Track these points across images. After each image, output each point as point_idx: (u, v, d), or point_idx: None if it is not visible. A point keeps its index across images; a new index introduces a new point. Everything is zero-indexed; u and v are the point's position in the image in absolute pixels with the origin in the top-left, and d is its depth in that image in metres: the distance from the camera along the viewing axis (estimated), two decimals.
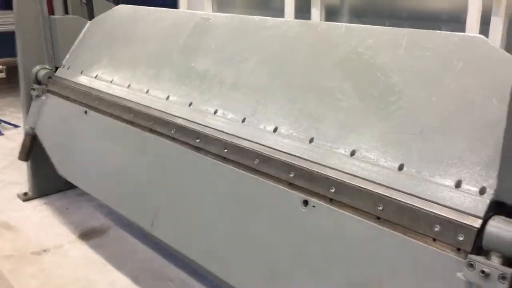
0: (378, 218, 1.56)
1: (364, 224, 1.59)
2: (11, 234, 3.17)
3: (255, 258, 1.91)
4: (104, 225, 3.26)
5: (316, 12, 3.51)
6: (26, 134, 3.42)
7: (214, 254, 2.08)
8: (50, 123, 3.32)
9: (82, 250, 2.99)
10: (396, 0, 3.32)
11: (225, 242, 2.04)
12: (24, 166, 3.67)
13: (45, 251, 2.98)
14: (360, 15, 3.55)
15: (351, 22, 3.56)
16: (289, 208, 1.79)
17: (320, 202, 1.71)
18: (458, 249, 1.38)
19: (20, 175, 3.88)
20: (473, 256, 1.32)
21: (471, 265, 1.30)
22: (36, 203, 3.61)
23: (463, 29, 2.82)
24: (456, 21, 2.86)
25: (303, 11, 3.70)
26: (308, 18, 3.56)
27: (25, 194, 3.67)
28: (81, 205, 3.53)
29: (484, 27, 2.80)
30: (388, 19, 3.30)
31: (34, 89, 3.34)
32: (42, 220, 3.36)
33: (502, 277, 1.25)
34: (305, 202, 1.75)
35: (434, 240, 1.43)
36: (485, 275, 1.28)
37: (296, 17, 3.73)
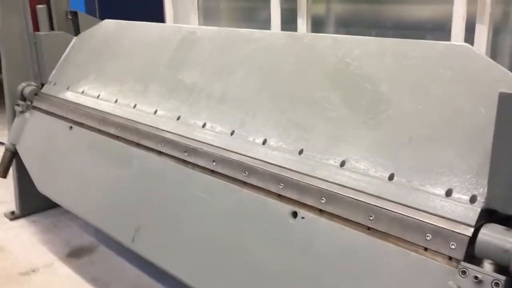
0: (369, 228, 1.55)
1: (355, 234, 1.57)
2: None
3: (242, 272, 1.88)
4: (93, 243, 3.22)
5: (302, 23, 3.53)
6: (6, 150, 3.35)
7: (200, 270, 2.04)
8: (32, 139, 3.27)
9: (71, 269, 2.94)
10: (381, 10, 3.35)
11: (212, 257, 2.00)
12: (11, 184, 3.61)
13: (33, 270, 2.93)
14: (346, 25, 3.58)
15: (337, 32, 3.59)
16: (278, 220, 1.78)
17: (310, 214, 1.70)
18: (450, 258, 1.37)
19: (7, 194, 3.82)
20: (465, 264, 1.32)
21: (463, 272, 1.30)
22: (23, 221, 3.55)
23: (448, 37, 2.85)
24: (441, 30, 2.89)
25: (289, 22, 3.72)
26: (295, 28, 3.57)
27: (12, 213, 3.61)
28: (70, 223, 3.48)
29: (469, 35, 2.83)
30: (374, 29, 3.32)
31: (18, 105, 3.31)
32: (30, 239, 3.31)
33: (495, 284, 1.25)
34: (295, 214, 1.74)
35: (426, 249, 1.42)
36: (478, 281, 1.27)
37: (283, 28, 3.75)
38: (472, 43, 2.81)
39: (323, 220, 1.66)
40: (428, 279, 1.40)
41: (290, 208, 1.75)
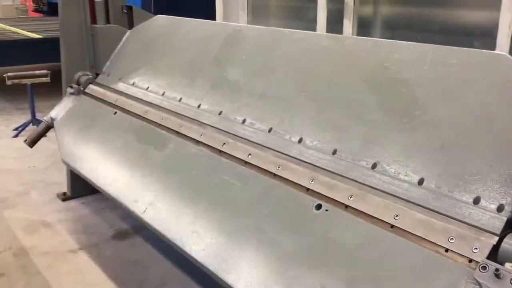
0: (392, 226, 1.58)
1: (376, 230, 1.61)
2: (49, 232, 3.33)
3: (257, 252, 1.83)
4: (136, 227, 3.38)
5: (348, 24, 3.54)
6: (44, 122, 3.46)
7: (219, 251, 1.95)
8: (72, 117, 3.35)
9: (114, 250, 3.12)
10: (428, 13, 3.31)
11: (232, 237, 1.95)
12: (63, 168, 3.84)
13: (80, 249, 3.12)
14: (392, 28, 3.56)
15: (383, 34, 3.57)
16: (302, 209, 1.83)
17: (335, 207, 1.75)
18: (470, 261, 1.39)
19: (60, 176, 4.05)
20: (486, 260, 1.33)
21: (484, 268, 1.31)
22: (74, 203, 3.77)
23: (495, 44, 2.80)
24: (489, 36, 2.83)
25: (335, 23, 3.73)
26: (340, 30, 3.59)
27: (64, 194, 3.85)
28: (116, 206, 3.66)
29: None
30: (420, 33, 3.29)
31: (71, 87, 3.48)
32: (79, 219, 3.52)
33: None
34: (319, 206, 1.79)
35: (447, 250, 1.44)
36: (498, 274, 1.28)
37: (328, 28, 3.77)
38: None
39: (346, 214, 1.71)
40: (444, 277, 1.41)
41: (316, 201, 1.81)
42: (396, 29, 3.50)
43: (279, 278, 1.66)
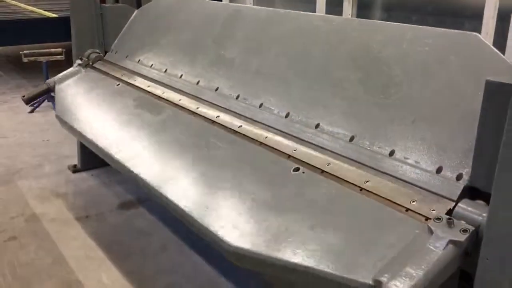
0: (361, 189, 1.72)
1: (345, 190, 1.74)
2: (59, 200, 3.53)
3: (238, 200, 1.91)
4: (141, 198, 3.55)
5: (347, 6, 3.62)
6: (46, 84, 3.54)
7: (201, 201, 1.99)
8: (75, 83, 3.45)
9: (119, 219, 3.30)
10: None
11: (213, 190, 2.01)
12: (75, 141, 4.03)
13: (87, 217, 3.31)
14: (390, 9, 3.63)
15: (381, 16, 3.65)
16: (281, 171, 1.94)
17: (311, 171, 1.88)
18: (427, 219, 1.51)
19: (72, 150, 4.24)
20: (441, 214, 1.47)
21: (438, 219, 1.44)
22: (84, 175, 3.96)
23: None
24: (478, 17, 2.91)
25: (336, 4, 3.82)
26: (340, 11, 3.68)
27: (75, 166, 4.04)
28: (123, 179, 3.85)
29: (503, 25, 2.83)
30: (414, 14, 3.37)
31: (81, 59, 3.62)
32: (87, 190, 3.71)
33: (464, 230, 1.39)
34: (297, 169, 1.92)
35: (407, 210, 1.57)
36: (450, 223, 1.40)
37: (328, 10, 3.85)
38: (506, 33, 2.81)
39: (321, 177, 1.84)
40: (400, 228, 1.52)
41: (295, 165, 1.93)
42: (393, 10, 3.58)
43: (249, 220, 1.77)
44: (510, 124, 1.25)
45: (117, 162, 2.41)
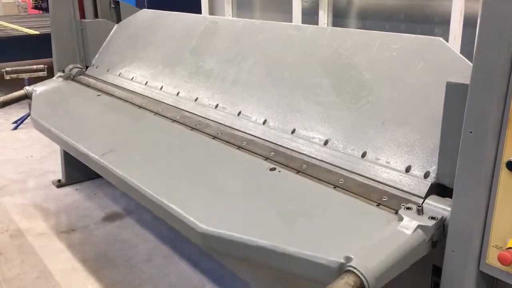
0: (335, 187, 1.78)
1: (320, 188, 1.80)
2: (44, 215, 3.54)
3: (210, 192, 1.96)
4: (126, 210, 3.58)
5: (323, 15, 3.72)
6: (23, 90, 3.52)
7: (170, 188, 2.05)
8: (53, 92, 3.48)
9: (105, 231, 3.33)
10: (395, 4, 3.50)
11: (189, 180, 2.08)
12: (59, 157, 4.05)
13: (73, 230, 3.33)
14: (365, 18, 3.74)
15: (356, 24, 3.75)
16: (257, 170, 2.01)
17: (287, 171, 1.94)
18: (396, 212, 1.58)
19: (56, 165, 4.27)
20: (410, 204, 1.55)
21: (408, 208, 1.53)
22: (68, 189, 3.98)
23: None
24: (447, 23, 3.02)
25: (312, 14, 3.91)
26: (316, 20, 3.77)
27: (59, 181, 4.05)
28: (107, 192, 3.88)
29: (471, 30, 2.94)
30: (388, 22, 3.48)
31: (63, 72, 3.67)
32: (72, 204, 3.73)
33: (432, 217, 1.48)
34: (273, 169, 1.98)
35: (378, 205, 1.65)
36: (420, 210, 1.50)
37: (304, 19, 3.95)
38: (473, 38, 2.92)
39: (296, 176, 1.90)
40: (370, 219, 1.60)
41: (272, 166, 2.00)
42: (367, 18, 3.68)
43: (218, 205, 1.83)
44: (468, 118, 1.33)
45: (92, 158, 2.44)
